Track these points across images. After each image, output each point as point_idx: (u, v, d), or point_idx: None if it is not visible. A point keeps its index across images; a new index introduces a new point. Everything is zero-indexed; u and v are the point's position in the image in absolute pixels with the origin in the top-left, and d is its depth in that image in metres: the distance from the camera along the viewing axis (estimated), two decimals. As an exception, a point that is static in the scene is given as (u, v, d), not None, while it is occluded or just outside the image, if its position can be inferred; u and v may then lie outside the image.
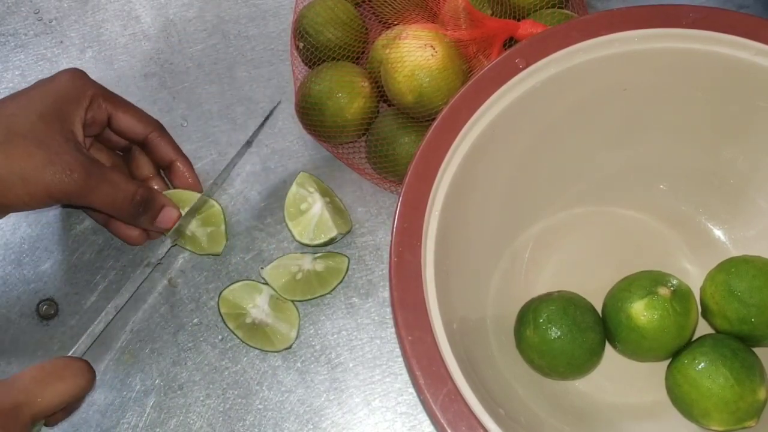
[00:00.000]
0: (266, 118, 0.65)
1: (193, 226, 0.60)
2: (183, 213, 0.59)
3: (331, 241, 0.60)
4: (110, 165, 0.59)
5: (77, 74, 0.56)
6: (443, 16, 0.56)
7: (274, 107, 0.65)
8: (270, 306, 0.58)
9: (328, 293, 0.59)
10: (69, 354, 0.51)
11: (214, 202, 0.61)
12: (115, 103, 0.58)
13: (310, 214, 0.60)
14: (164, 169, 0.62)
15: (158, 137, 0.60)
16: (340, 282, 0.59)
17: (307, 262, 0.60)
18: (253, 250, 0.61)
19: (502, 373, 0.51)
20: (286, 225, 0.60)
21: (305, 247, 0.60)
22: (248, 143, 0.64)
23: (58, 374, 0.46)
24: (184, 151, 0.62)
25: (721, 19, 0.49)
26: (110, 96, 0.58)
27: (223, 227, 0.60)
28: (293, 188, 0.60)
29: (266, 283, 0.59)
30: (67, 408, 0.48)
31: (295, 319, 0.58)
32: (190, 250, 0.61)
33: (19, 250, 0.62)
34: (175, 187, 0.61)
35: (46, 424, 0.50)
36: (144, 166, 0.61)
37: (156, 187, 0.61)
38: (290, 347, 0.58)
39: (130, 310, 0.59)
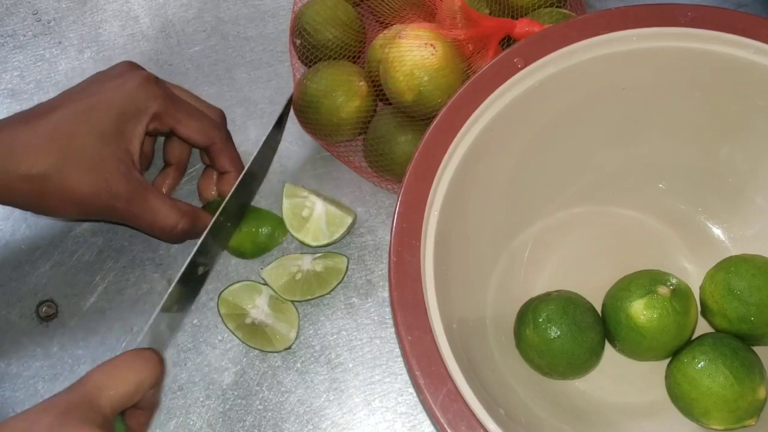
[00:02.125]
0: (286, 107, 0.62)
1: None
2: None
3: (348, 231, 0.60)
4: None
5: (145, 82, 0.55)
6: (440, 15, 0.56)
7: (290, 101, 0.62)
8: (269, 306, 0.58)
9: (327, 293, 0.59)
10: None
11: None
12: (179, 117, 0.57)
13: (315, 217, 0.60)
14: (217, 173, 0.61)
15: (219, 150, 0.59)
16: (340, 282, 0.59)
17: (307, 263, 0.60)
18: (253, 251, 0.61)
19: (502, 372, 0.51)
20: (296, 239, 0.60)
21: (305, 247, 0.60)
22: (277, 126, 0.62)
23: (127, 365, 0.46)
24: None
25: (719, 17, 0.49)
26: (175, 109, 0.56)
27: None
28: (285, 203, 0.60)
29: (266, 284, 0.59)
30: (147, 405, 0.48)
31: (294, 319, 0.58)
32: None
33: (19, 252, 0.62)
34: (219, 191, 0.61)
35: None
36: (175, 151, 0.61)
37: (171, 177, 0.61)
38: (290, 348, 0.58)
39: (129, 311, 0.59)
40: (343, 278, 0.59)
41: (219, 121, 0.60)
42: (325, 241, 0.59)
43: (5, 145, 0.51)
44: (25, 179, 0.51)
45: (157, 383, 0.47)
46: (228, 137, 0.60)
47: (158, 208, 0.55)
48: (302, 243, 0.60)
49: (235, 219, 0.59)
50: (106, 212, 0.54)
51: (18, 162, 0.51)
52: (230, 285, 0.59)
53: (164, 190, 0.61)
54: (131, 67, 0.57)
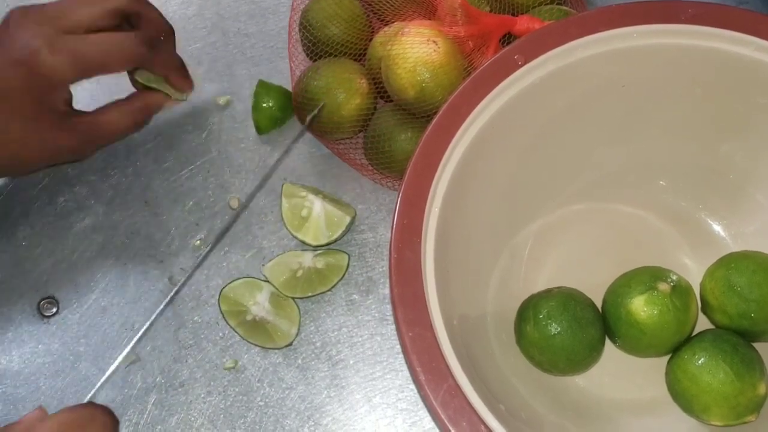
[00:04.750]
0: (312, 118, 0.61)
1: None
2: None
3: (348, 229, 0.60)
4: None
5: (31, 46, 0.53)
6: (440, 12, 0.56)
7: (319, 108, 0.60)
8: (270, 303, 0.58)
9: (328, 290, 0.59)
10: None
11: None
12: (90, 56, 0.54)
13: (314, 216, 0.60)
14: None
15: (150, 64, 0.59)
16: (341, 279, 0.59)
17: (308, 260, 0.60)
18: (254, 248, 0.61)
19: (503, 369, 0.51)
20: (296, 238, 0.60)
21: (305, 246, 0.61)
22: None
23: (82, 428, 0.45)
24: (185, 155, 0.62)
25: (720, 14, 0.49)
26: (76, 55, 0.53)
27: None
28: (284, 203, 0.60)
29: (266, 281, 0.59)
30: None
31: (295, 316, 0.58)
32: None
33: (20, 248, 0.62)
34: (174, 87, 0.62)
35: None
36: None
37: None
38: (291, 344, 0.58)
39: (130, 308, 0.60)
40: (344, 275, 0.59)
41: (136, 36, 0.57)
42: (324, 241, 0.59)
43: None
44: None
45: None
46: (147, 45, 0.57)
47: (110, 124, 0.57)
48: (302, 242, 0.60)
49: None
50: (72, 157, 0.58)
51: None
52: (231, 281, 0.59)
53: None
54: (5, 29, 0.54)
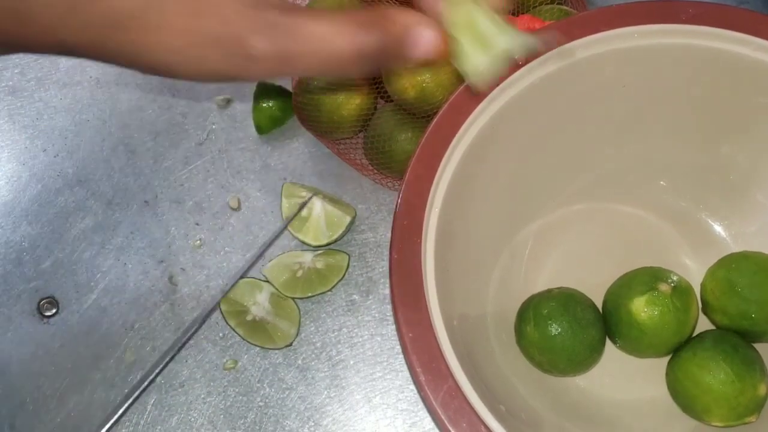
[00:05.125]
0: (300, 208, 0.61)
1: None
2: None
3: (348, 229, 0.60)
4: None
5: None
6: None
7: (306, 200, 0.60)
8: (270, 303, 0.58)
9: (328, 290, 0.59)
10: None
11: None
12: None
13: (314, 216, 0.60)
14: None
15: None
16: (341, 279, 0.59)
17: (308, 260, 0.60)
18: (254, 248, 0.61)
19: (503, 369, 0.51)
20: (296, 238, 0.60)
21: (305, 246, 0.60)
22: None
23: None
24: (185, 155, 0.62)
25: (720, 14, 0.49)
26: None
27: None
28: (284, 203, 0.61)
29: (267, 281, 0.59)
30: None
31: (295, 316, 0.58)
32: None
33: (20, 249, 0.62)
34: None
35: None
36: None
37: None
38: (291, 344, 0.58)
39: (131, 308, 0.60)
40: (344, 275, 0.59)
41: None
42: (324, 241, 0.59)
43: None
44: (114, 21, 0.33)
45: None
46: None
47: (318, 33, 0.35)
48: (302, 242, 0.60)
49: None
50: (226, 72, 0.35)
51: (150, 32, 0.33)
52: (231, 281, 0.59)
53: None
54: None
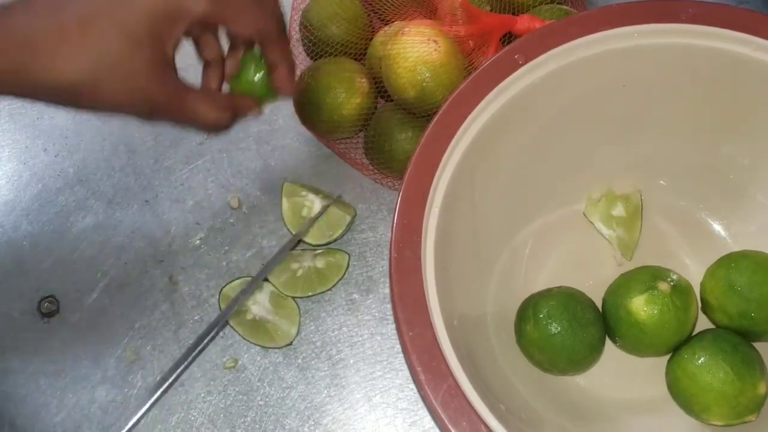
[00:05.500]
0: (321, 212, 0.61)
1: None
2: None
3: (348, 229, 0.60)
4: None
5: None
6: (441, 11, 0.56)
7: (328, 205, 0.61)
8: (270, 303, 0.58)
9: (328, 290, 0.59)
10: None
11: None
12: (227, 14, 0.49)
13: (314, 216, 0.60)
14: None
15: (272, 42, 0.52)
16: (341, 279, 0.59)
17: (308, 259, 0.60)
18: (254, 247, 0.61)
19: (503, 368, 0.51)
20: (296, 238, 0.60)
21: (305, 245, 0.61)
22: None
23: None
24: (185, 154, 0.61)
25: (720, 14, 0.49)
26: (223, 5, 0.49)
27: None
28: (284, 203, 0.61)
29: (267, 280, 0.59)
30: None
31: (295, 315, 0.58)
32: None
33: (21, 248, 0.62)
34: (272, 85, 0.55)
35: None
36: (213, 47, 0.54)
37: (216, 78, 0.54)
38: (291, 344, 0.58)
39: (131, 307, 0.60)
40: (344, 275, 0.59)
41: (271, 5, 0.52)
42: (324, 241, 0.60)
43: (22, 34, 0.43)
44: (54, 85, 0.45)
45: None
46: (281, 25, 0.53)
47: (197, 108, 0.50)
48: (303, 242, 0.60)
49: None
50: (144, 115, 0.49)
51: (43, 63, 0.44)
52: (231, 281, 0.59)
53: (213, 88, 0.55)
54: None
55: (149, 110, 0.49)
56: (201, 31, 0.53)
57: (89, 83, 0.45)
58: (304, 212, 0.60)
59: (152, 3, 0.46)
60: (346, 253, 0.60)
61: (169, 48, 0.48)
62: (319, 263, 0.59)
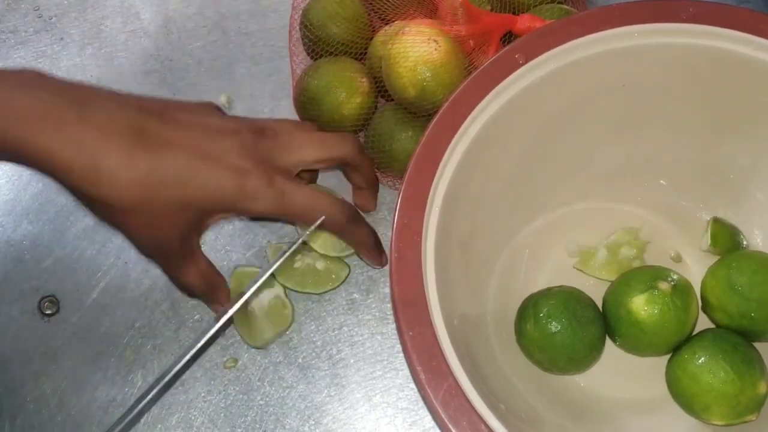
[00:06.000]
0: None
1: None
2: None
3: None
4: None
5: (261, 181, 0.50)
6: (441, 11, 0.56)
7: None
8: (269, 303, 0.58)
9: (317, 294, 0.59)
10: None
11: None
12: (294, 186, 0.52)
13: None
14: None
15: (353, 167, 0.56)
16: (333, 289, 0.59)
17: (309, 257, 0.59)
18: (254, 247, 0.61)
19: (503, 368, 0.51)
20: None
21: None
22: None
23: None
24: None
25: (721, 13, 0.49)
26: (292, 189, 0.51)
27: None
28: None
29: (280, 283, 0.58)
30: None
31: (282, 325, 0.57)
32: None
33: (21, 247, 0.62)
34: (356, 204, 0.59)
35: None
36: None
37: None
38: (261, 347, 0.57)
39: (131, 307, 0.60)
40: (338, 286, 0.59)
41: (347, 140, 0.55)
42: (333, 254, 0.59)
43: (88, 155, 0.45)
44: (98, 202, 0.48)
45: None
46: (361, 151, 0.56)
47: (186, 271, 0.53)
48: (311, 249, 0.59)
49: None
50: (143, 253, 0.53)
51: (99, 187, 0.46)
52: (249, 266, 0.59)
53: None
54: (243, 143, 0.51)
55: (154, 253, 0.52)
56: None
57: (127, 219, 0.49)
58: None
59: (216, 196, 0.49)
60: (348, 267, 0.59)
61: (195, 232, 0.52)
62: (320, 265, 0.59)
